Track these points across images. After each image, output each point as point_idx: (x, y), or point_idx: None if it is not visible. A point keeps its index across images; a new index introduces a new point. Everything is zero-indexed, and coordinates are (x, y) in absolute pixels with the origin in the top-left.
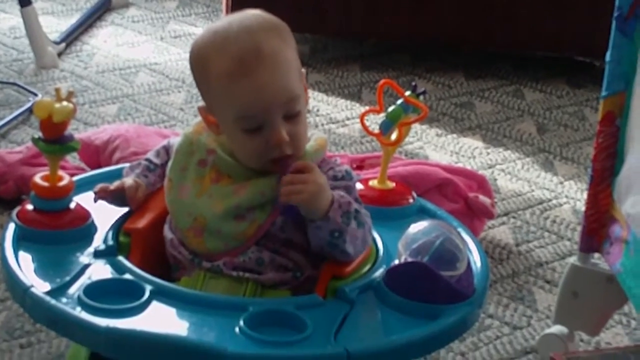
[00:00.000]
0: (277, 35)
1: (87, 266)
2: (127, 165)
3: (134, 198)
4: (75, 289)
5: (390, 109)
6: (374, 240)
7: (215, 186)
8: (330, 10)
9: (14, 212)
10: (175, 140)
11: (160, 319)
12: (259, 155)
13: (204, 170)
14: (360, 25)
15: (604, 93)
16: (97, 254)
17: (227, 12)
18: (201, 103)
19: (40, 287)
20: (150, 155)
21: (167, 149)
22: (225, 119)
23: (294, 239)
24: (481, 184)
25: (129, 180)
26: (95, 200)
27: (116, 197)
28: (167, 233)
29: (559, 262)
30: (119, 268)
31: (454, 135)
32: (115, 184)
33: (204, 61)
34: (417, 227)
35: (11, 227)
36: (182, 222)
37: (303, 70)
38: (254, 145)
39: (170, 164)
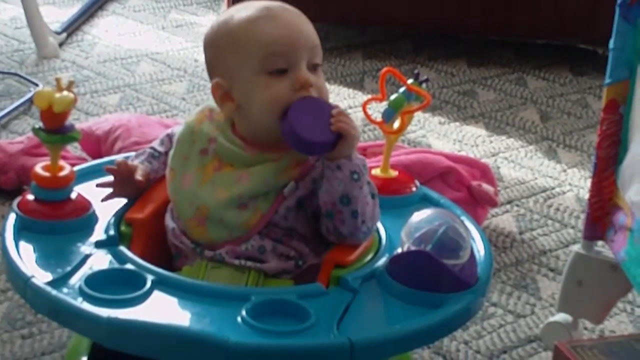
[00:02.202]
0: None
1: (88, 256)
2: (129, 154)
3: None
4: (76, 279)
5: (393, 97)
6: (376, 229)
7: (218, 174)
8: None
9: (15, 202)
10: (178, 129)
11: (162, 309)
12: (283, 101)
13: (206, 158)
14: (361, 13)
15: (607, 80)
16: (99, 244)
17: (228, 1)
18: (202, 93)
19: (41, 277)
20: (155, 143)
21: (170, 137)
22: (247, 70)
23: (296, 228)
24: (484, 172)
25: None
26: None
27: (121, 179)
28: (169, 222)
29: (563, 250)
30: (120, 258)
31: (457, 124)
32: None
33: (224, 24)
34: (420, 215)
35: (12, 217)
36: (184, 212)
37: None
38: (279, 89)
39: (172, 153)
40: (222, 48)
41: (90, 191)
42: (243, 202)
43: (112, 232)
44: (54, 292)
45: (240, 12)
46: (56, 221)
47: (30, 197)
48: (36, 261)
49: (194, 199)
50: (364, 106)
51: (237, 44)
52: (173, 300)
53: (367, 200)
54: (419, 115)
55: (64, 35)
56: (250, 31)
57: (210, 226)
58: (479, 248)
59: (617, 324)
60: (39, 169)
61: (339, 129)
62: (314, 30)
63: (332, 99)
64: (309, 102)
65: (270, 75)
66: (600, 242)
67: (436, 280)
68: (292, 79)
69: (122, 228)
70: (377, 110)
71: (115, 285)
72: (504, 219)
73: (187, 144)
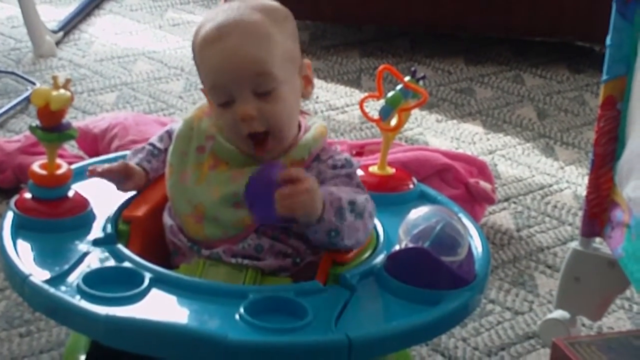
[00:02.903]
0: (269, 15)
1: (86, 254)
2: (125, 152)
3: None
4: (74, 278)
5: (390, 94)
6: (374, 226)
7: (213, 172)
8: None
9: (12, 200)
10: (178, 126)
11: (160, 307)
12: (234, 131)
13: (203, 156)
14: (357, 11)
15: (604, 77)
16: (96, 242)
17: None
18: (199, 91)
19: (39, 275)
20: (154, 139)
21: (170, 134)
22: (207, 92)
23: (293, 226)
24: (482, 169)
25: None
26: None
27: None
28: (167, 220)
29: (560, 247)
30: (118, 256)
31: (454, 121)
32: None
33: (196, 32)
34: (417, 212)
35: (9, 215)
36: (182, 209)
37: (307, 61)
38: (227, 120)
39: (170, 149)
40: (195, 57)
41: (87, 189)
42: (238, 200)
43: (109, 230)
44: (51, 290)
45: (207, 24)
46: (54, 219)
47: (28, 195)
48: (34, 259)
49: (191, 197)
50: (361, 104)
51: (197, 61)
52: (171, 298)
53: (356, 227)
54: (416, 113)
55: (61, 33)
56: (203, 55)
57: (207, 224)
58: (477, 245)
59: (615, 321)
60: (36, 167)
61: (285, 211)
62: (265, 53)
63: (330, 96)
64: (261, 175)
65: (220, 106)
66: (597, 239)
67: (434, 277)
68: (235, 111)
69: (120, 226)
70: (374, 107)
71: (113, 283)
72: (501, 216)
73: (185, 140)
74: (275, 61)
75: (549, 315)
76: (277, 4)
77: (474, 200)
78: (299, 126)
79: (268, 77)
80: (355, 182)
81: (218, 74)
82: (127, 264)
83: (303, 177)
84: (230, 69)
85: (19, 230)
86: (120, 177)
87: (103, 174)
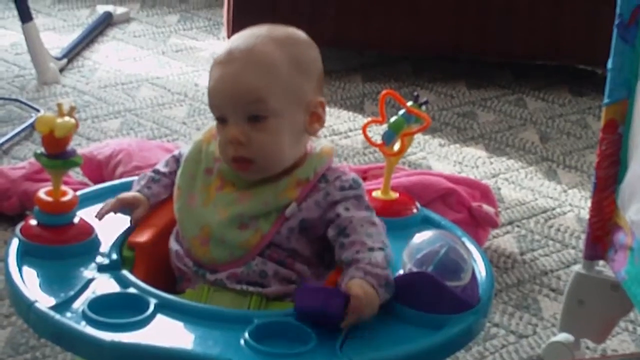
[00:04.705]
0: (285, 48)
1: (91, 280)
2: (131, 179)
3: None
4: (79, 304)
5: (393, 119)
6: None
7: (220, 194)
8: (327, 21)
9: (18, 227)
10: (186, 149)
11: (165, 333)
12: (222, 150)
13: (210, 178)
14: (358, 36)
15: (606, 100)
16: (101, 268)
17: (228, 25)
18: (203, 117)
19: (44, 302)
20: (159, 165)
21: (177, 159)
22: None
23: (299, 250)
24: (485, 193)
25: (128, 195)
26: (100, 218)
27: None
28: (173, 244)
29: (564, 271)
30: (123, 282)
31: (457, 145)
32: (116, 201)
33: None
34: (421, 237)
35: (15, 242)
36: (189, 231)
37: (322, 99)
38: (220, 138)
39: (179, 172)
40: None
41: (92, 216)
42: (244, 221)
43: (114, 256)
44: (57, 316)
45: (227, 44)
46: (59, 246)
47: (33, 222)
48: (39, 286)
49: (199, 219)
50: (364, 129)
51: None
52: (176, 324)
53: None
54: (419, 137)
55: (65, 60)
56: (210, 73)
57: (213, 246)
58: (480, 269)
59: (619, 343)
60: (42, 194)
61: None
62: (262, 83)
63: (333, 121)
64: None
65: (218, 120)
66: (601, 262)
67: (438, 302)
68: (226, 132)
69: (125, 252)
70: (377, 132)
71: (118, 309)
72: (505, 240)
73: (194, 162)
74: (273, 92)
75: (553, 339)
76: (305, 40)
77: (478, 224)
78: (305, 147)
79: (260, 106)
80: (365, 204)
81: (214, 95)
82: (132, 290)
83: (360, 304)
84: (224, 93)
85: (24, 256)
86: (123, 209)
87: (103, 214)
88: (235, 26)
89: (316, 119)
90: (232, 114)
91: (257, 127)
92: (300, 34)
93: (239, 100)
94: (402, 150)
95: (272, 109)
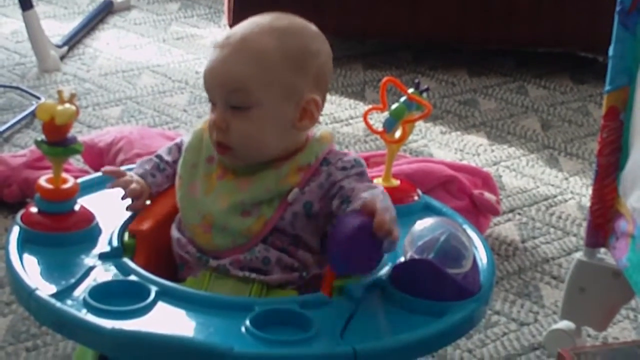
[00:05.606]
0: (281, 38)
1: (92, 268)
2: (131, 166)
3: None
4: (80, 291)
5: (394, 106)
6: None
7: (221, 182)
8: (329, 10)
9: (18, 215)
10: (188, 138)
11: (166, 320)
12: (210, 133)
13: (212, 167)
14: (359, 24)
15: (607, 88)
16: (102, 256)
17: (229, 12)
18: (204, 105)
19: (45, 289)
20: (162, 151)
21: (179, 147)
22: None
23: (303, 236)
24: (486, 180)
25: (134, 185)
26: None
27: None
28: (174, 232)
29: (565, 258)
30: (124, 270)
31: (458, 133)
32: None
33: None
34: (422, 224)
35: (15, 230)
36: (191, 219)
37: (316, 97)
38: (209, 121)
39: (180, 161)
40: None
41: (93, 203)
42: (246, 209)
43: (115, 244)
44: (58, 304)
45: (231, 30)
46: (60, 233)
47: (34, 209)
48: (40, 273)
49: (200, 208)
50: (365, 116)
51: None
52: (177, 311)
53: None
54: (420, 125)
55: (65, 48)
56: (209, 56)
57: (215, 233)
58: (482, 256)
59: (621, 331)
60: (43, 181)
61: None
62: (248, 72)
63: (334, 109)
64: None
65: (210, 103)
66: (602, 249)
67: (439, 289)
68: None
69: (126, 240)
70: (378, 120)
71: (119, 296)
72: (506, 228)
73: (195, 151)
74: (259, 83)
75: (555, 326)
76: (309, 33)
77: (479, 211)
78: (304, 135)
79: (242, 95)
80: (367, 180)
81: (205, 79)
82: (133, 278)
83: (374, 205)
84: (212, 78)
85: (25, 244)
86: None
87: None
88: (236, 14)
89: (307, 116)
90: (217, 99)
91: (238, 115)
92: (306, 25)
93: (222, 87)
94: (403, 137)
95: (255, 99)
